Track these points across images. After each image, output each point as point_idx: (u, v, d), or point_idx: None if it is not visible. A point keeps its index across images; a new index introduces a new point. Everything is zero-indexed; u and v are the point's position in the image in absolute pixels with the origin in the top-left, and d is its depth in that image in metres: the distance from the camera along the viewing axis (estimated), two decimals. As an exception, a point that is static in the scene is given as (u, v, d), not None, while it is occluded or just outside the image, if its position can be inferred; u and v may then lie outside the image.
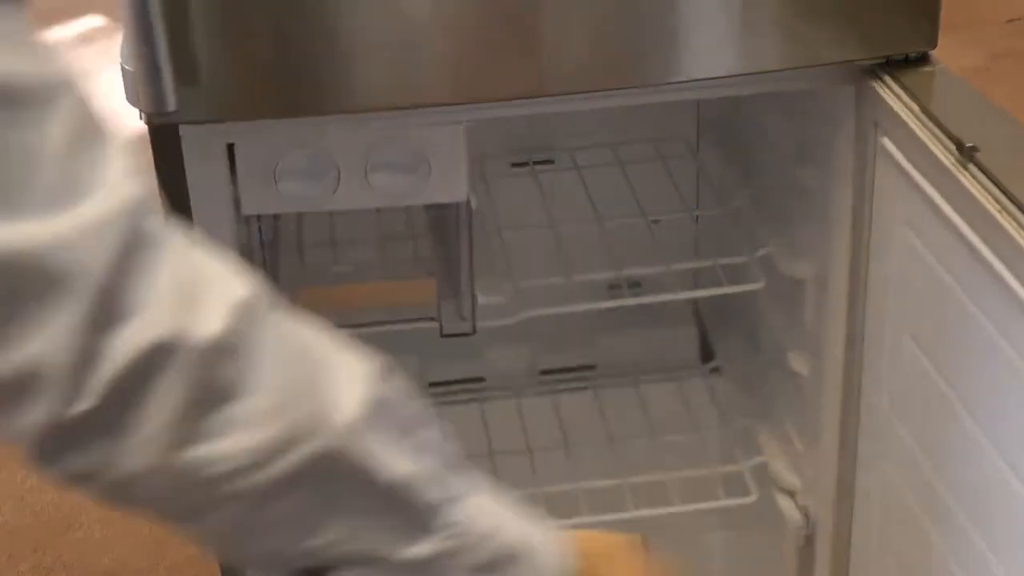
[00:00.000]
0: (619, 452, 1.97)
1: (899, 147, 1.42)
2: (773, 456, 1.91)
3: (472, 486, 0.84)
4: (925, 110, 1.38)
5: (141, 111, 1.33)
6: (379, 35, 1.38)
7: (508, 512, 0.86)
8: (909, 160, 1.40)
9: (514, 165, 2.07)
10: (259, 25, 1.36)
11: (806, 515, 1.83)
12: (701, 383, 2.13)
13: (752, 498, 1.86)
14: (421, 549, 0.81)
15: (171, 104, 1.30)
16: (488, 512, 0.84)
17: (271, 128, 1.45)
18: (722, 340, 2.18)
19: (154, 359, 0.72)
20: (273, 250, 1.73)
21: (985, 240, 1.26)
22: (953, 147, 1.32)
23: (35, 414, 0.71)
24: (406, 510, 0.80)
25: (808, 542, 1.82)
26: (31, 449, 0.75)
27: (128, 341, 0.71)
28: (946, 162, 1.32)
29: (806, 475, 1.83)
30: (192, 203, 1.44)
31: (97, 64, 4.35)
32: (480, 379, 2.17)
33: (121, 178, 0.70)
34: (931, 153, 1.34)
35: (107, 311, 0.70)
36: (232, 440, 0.75)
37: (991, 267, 1.24)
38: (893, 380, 1.53)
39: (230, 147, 1.47)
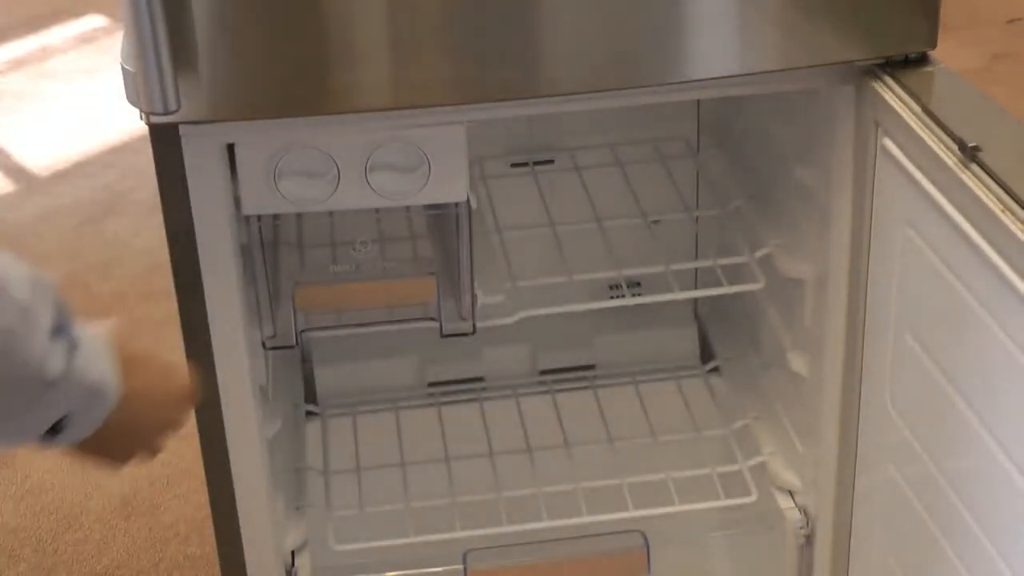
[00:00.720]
0: (619, 452, 1.97)
1: (900, 147, 1.42)
2: (773, 456, 1.91)
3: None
4: (926, 110, 1.38)
5: (141, 111, 1.33)
6: (379, 35, 1.38)
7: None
8: (911, 160, 1.40)
9: (514, 165, 2.07)
10: (259, 25, 1.36)
11: (806, 515, 1.83)
12: (701, 383, 2.13)
13: (752, 498, 1.86)
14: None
15: (171, 104, 1.30)
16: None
17: (271, 128, 1.45)
18: (722, 340, 2.18)
19: None
20: (273, 250, 1.73)
21: (988, 238, 1.26)
22: (955, 147, 1.32)
23: None
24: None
25: (808, 542, 1.83)
26: None
27: None
28: (948, 161, 1.32)
29: (806, 475, 1.83)
30: (192, 203, 1.44)
31: (97, 64, 4.35)
32: (480, 379, 2.17)
33: None
34: (933, 152, 1.35)
35: None
36: None
37: (994, 265, 1.24)
38: (894, 379, 1.53)
39: (230, 147, 1.47)
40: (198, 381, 1.29)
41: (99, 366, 1.10)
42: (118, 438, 1.17)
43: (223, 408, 1.57)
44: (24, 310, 1.02)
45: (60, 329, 1.06)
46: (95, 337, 1.11)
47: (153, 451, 1.23)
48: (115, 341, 1.15)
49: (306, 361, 2.16)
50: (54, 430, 1.09)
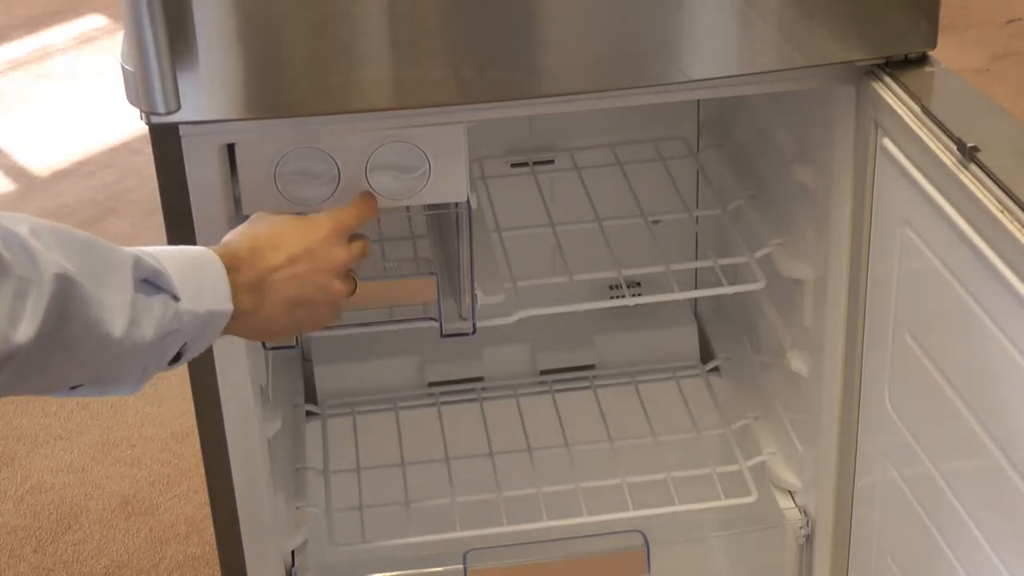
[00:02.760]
0: (619, 452, 1.97)
1: (899, 147, 1.42)
2: (773, 456, 1.91)
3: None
4: (925, 110, 1.38)
5: (141, 111, 1.33)
6: (379, 35, 1.38)
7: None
8: (910, 160, 1.40)
9: (514, 165, 2.07)
10: (259, 25, 1.36)
11: (806, 515, 1.83)
12: (701, 383, 2.13)
13: (752, 498, 1.86)
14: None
15: (171, 104, 1.30)
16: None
17: (271, 128, 1.45)
18: (722, 340, 2.18)
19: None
20: (273, 250, 1.73)
21: (986, 239, 1.26)
22: (954, 147, 1.32)
23: None
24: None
25: (808, 542, 1.83)
26: None
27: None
28: (947, 162, 1.32)
29: (806, 475, 1.83)
30: (192, 203, 1.44)
31: (97, 64, 4.35)
32: (480, 379, 2.17)
33: None
34: (932, 153, 1.35)
35: None
36: None
37: (992, 265, 1.24)
38: (893, 379, 1.53)
39: (230, 147, 1.47)
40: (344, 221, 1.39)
41: (207, 295, 1.22)
42: (265, 329, 1.33)
43: (223, 408, 1.57)
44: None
45: (153, 285, 1.16)
46: (200, 269, 1.23)
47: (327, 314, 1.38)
48: (232, 253, 1.27)
49: (306, 361, 2.16)
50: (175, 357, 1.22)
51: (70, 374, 1.12)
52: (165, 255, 1.20)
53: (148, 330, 1.14)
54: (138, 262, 1.15)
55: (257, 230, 1.34)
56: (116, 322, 1.11)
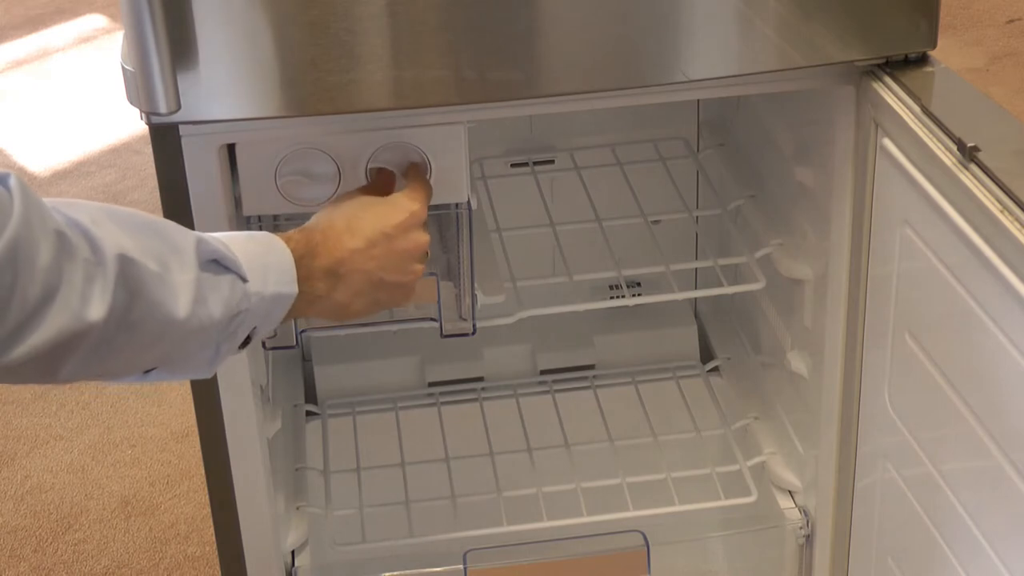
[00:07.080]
0: (619, 452, 1.97)
1: (899, 147, 1.42)
2: (773, 456, 1.91)
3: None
4: (925, 110, 1.38)
5: (141, 111, 1.33)
6: (379, 35, 1.38)
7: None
8: (910, 160, 1.40)
9: (514, 165, 2.07)
10: (259, 25, 1.36)
11: (806, 515, 1.83)
12: (701, 383, 2.13)
13: (752, 498, 1.87)
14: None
15: (171, 104, 1.30)
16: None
17: (271, 128, 1.45)
18: (722, 340, 2.18)
19: None
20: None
21: (986, 239, 1.26)
22: (954, 147, 1.32)
23: None
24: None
25: (808, 542, 1.83)
26: None
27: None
28: (947, 162, 1.32)
29: (806, 475, 1.83)
30: (192, 203, 1.44)
31: (97, 64, 4.35)
32: (480, 379, 2.18)
33: None
34: (932, 153, 1.35)
35: None
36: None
37: (992, 265, 1.24)
38: (893, 379, 1.53)
39: (230, 147, 1.47)
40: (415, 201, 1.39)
41: (272, 278, 1.22)
42: (339, 311, 1.33)
43: (223, 408, 1.57)
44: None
45: (219, 265, 1.16)
46: (265, 253, 1.23)
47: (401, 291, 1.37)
48: (307, 238, 1.28)
49: (306, 361, 2.16)
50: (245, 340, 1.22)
51: (139, 356, 1.12)
52: (230, 239, 1.21)
53: (215, 308, 1.15)
54: (201, 242, 1.15)
55: (335, 214, 1.35)
56: (180, 302, 1.11)
